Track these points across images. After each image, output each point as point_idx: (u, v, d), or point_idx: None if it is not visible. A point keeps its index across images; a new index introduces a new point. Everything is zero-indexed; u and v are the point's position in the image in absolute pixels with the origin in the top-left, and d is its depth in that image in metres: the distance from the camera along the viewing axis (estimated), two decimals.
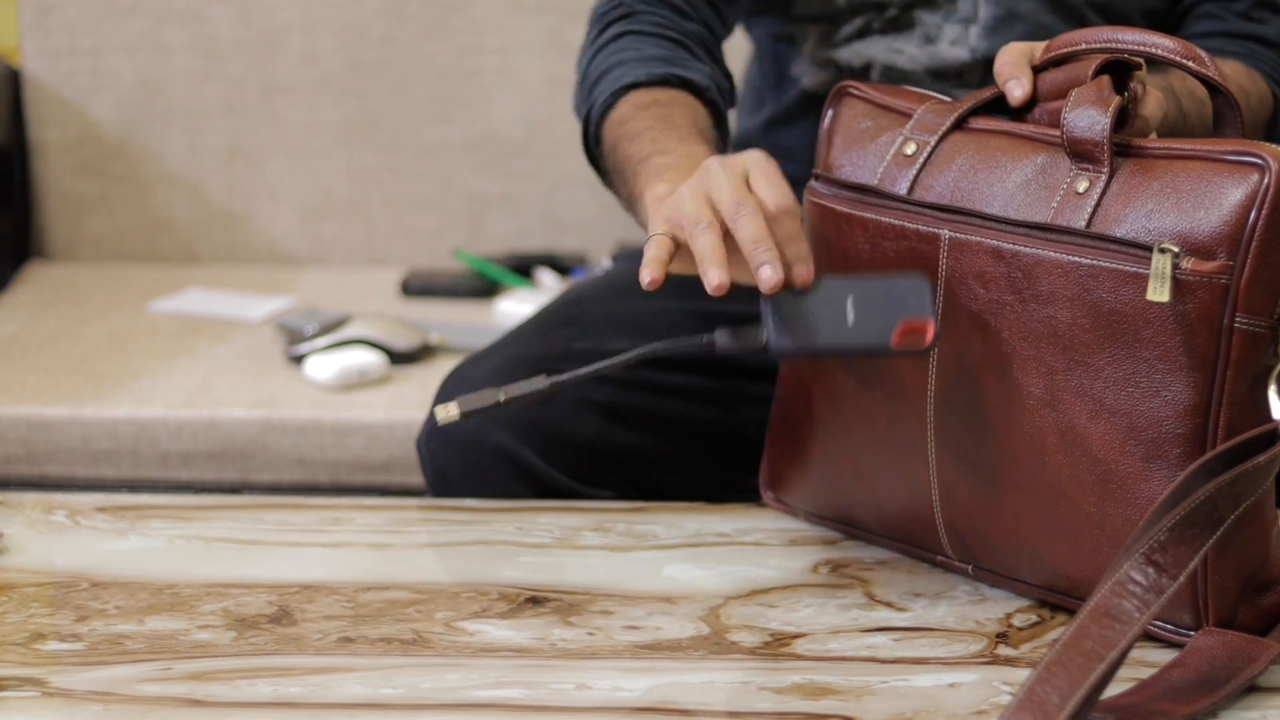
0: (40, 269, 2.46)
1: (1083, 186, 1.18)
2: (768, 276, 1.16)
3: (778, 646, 1.19)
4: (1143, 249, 1.13)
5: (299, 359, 2.06)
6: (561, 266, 2.40)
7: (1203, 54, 1.20)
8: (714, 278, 1.17)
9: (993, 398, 1.21)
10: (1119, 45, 1.22)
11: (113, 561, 1.31)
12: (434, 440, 1.51)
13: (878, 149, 1.29)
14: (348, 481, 1.97)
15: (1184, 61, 1.21)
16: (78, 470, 1.97)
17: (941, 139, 1.27)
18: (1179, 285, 1.12)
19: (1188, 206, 1.13)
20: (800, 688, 1.13)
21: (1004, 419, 1.20)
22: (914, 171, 1.26)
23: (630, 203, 1.41)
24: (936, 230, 1.23)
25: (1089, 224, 1.17)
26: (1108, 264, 1.15)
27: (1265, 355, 1.13)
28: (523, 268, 2.40)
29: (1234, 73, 1.52)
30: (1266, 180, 1.11)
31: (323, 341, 2.06)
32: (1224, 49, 1.57)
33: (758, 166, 1.23)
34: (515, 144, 2.48)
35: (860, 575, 1.29)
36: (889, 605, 1.25)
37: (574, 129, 2.46)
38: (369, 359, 2.02)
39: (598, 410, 1.51)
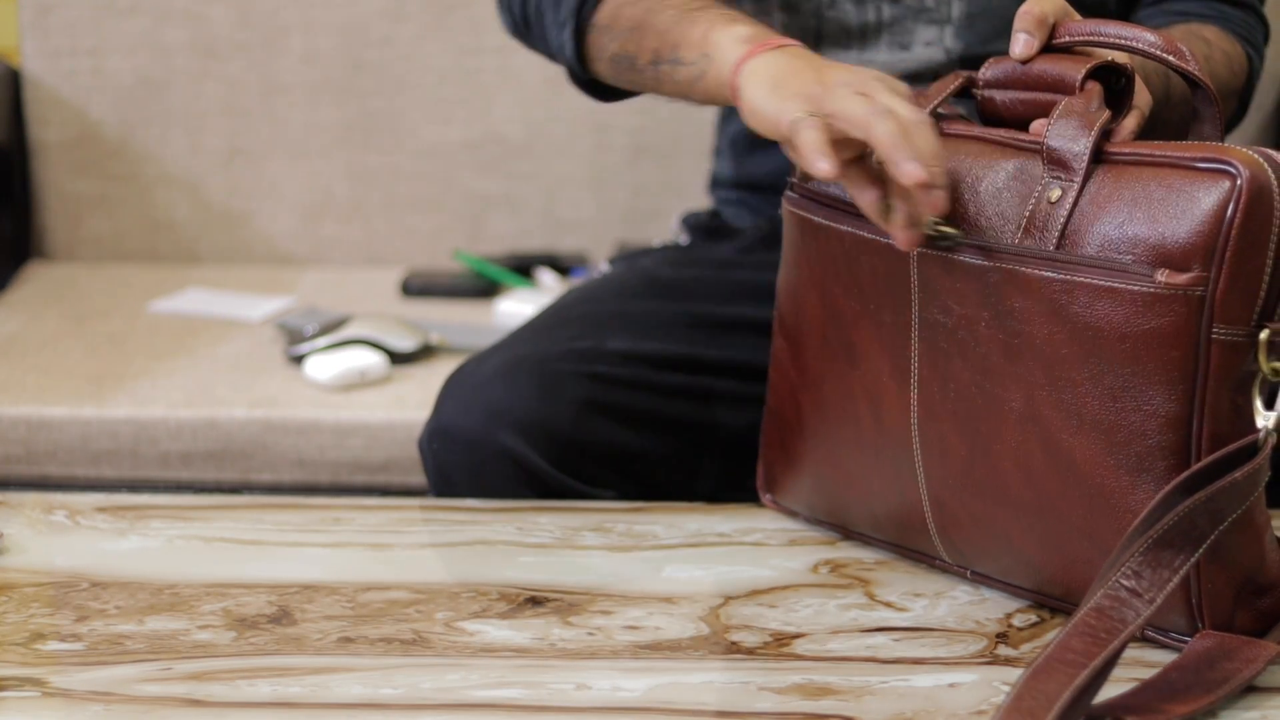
0: (40, 269, 2.46)
1: (1055, 195, 1.16)
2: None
3: (778, 646, 1.19)
4: (1116, 263, 1.12)
5: (299, 359, 2.06)
6: (561, 266, 2.40)
7: (1184, 49, 1.19)
8: (913, 171, 1.15)
9: (975, 414, 1.19)
10: (1102, 39, 1.21)
11: (113, 561, 1.31)
12: (436, 440, 1.51)
13: None
14: (348, 481, 1.97)
15: (1165, 56, 1.19)
16: (78, 470, 1.97)
17: None
18: (1154, 299, 1.10)
19: (1160, 216, 1.11)
20: (800, 688, 1.13)
21: (988, 434, 1.19)
22: None
23: (670, 54, 1.41)
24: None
25: (1062, 234, 1.15)
26: (1082, 279, 1.13)
27: (1245, 363, 1.11)
28: (523, 268, 2.40)
29: (1216, 38, 1.51)
30: (1238, 186, 1.09)
31: (323, 341, 2.06)
32: (1200, 13, 1.56)
33: (894, 94, 1.22)
34: (515, 144, 2.48)
35: (860, 575, 1.29)
36: (889, 605, 1.25)
37: (574, 129, 2.50)
38: (369, 359, 2.02)
39: (600, 411, 1.51)
